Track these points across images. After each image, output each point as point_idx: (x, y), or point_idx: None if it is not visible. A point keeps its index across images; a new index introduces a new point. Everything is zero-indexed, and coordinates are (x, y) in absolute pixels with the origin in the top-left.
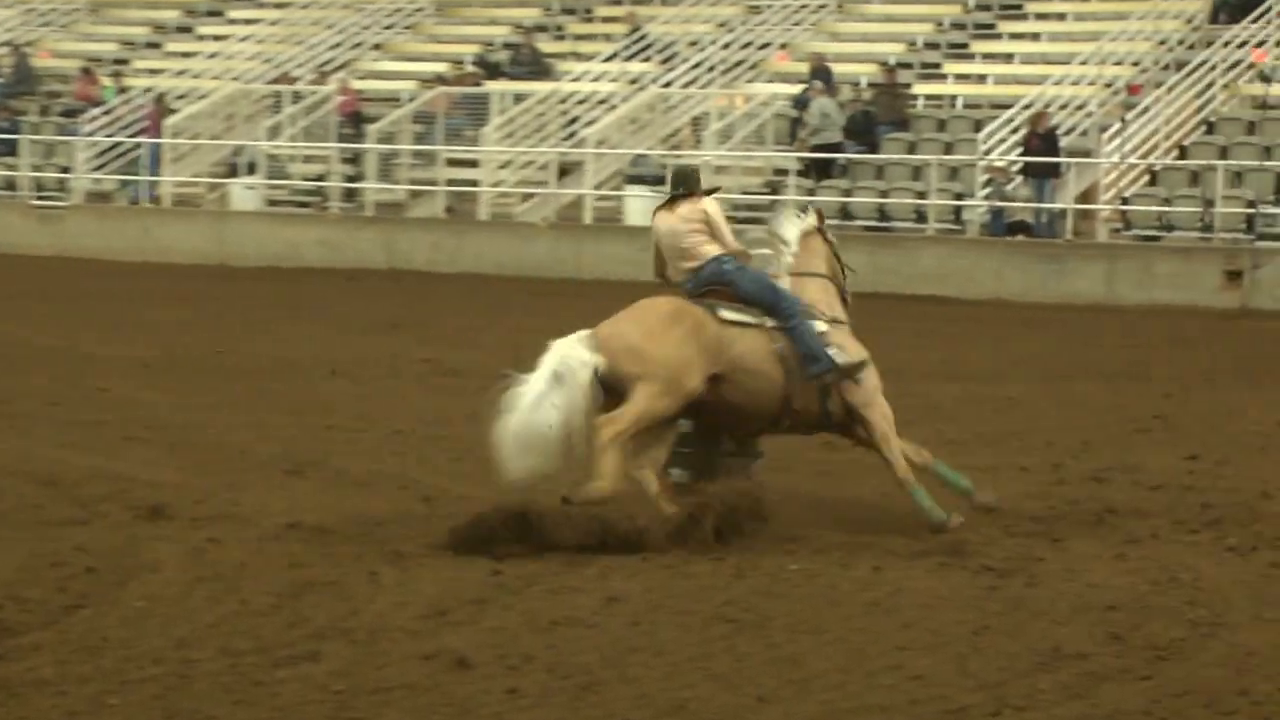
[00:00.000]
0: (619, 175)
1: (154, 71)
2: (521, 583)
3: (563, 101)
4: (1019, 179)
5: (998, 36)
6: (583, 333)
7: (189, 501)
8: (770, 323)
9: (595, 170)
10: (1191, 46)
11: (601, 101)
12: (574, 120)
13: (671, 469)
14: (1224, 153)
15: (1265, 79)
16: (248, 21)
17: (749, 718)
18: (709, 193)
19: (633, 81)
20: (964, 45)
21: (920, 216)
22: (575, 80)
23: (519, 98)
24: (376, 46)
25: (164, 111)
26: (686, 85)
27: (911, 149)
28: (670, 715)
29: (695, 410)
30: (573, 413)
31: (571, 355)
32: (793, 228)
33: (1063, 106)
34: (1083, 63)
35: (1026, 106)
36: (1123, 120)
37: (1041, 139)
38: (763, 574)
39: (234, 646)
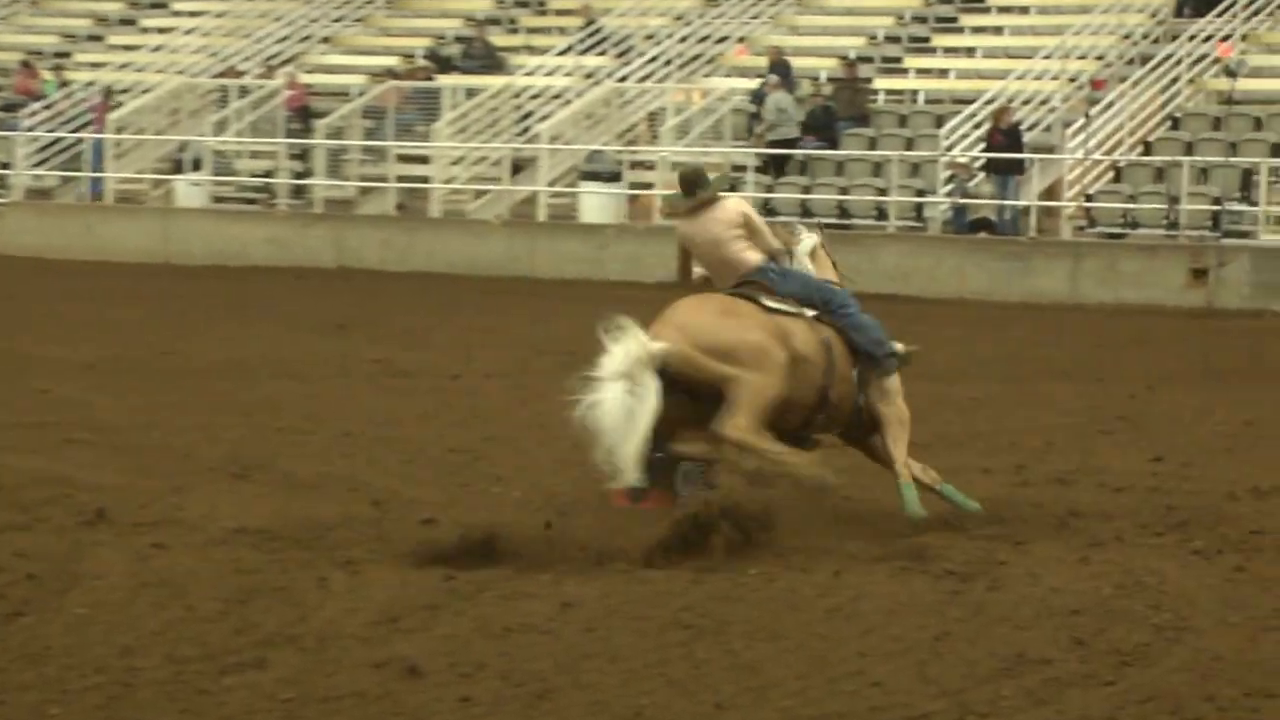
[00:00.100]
0: (574, 171)
1: (96, 65)
2: (474, 589)
3: (516, 96)
4: (982, 175)
5: (959, 30)
6: (641, 333)
7: (133, 506)
8: (809, 313)
9: (549, 166)
10: (1156, 40)
11: (556, 96)
12: (528, 115)
13: None
14: (1189, 149)
15: (1231, 74)
16: (193, 14)
17: None
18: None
19: (588, 76)
20: (925, 39)
21: (881, 214)
22: (529, 74)
23: (471, 92)
24: (325, 40)
25: (111, 105)
26: (643, 80)
27: (872, 145)
28: None
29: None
30: (650, 405)
31: (635, 354)
32: (805, 243)
33: (1026, 102)
34: (1046, 57)
35: (989, 101)
36: (1087, 116)
37: (1005, 135)
38: (721, 579)
39: (179, 654)
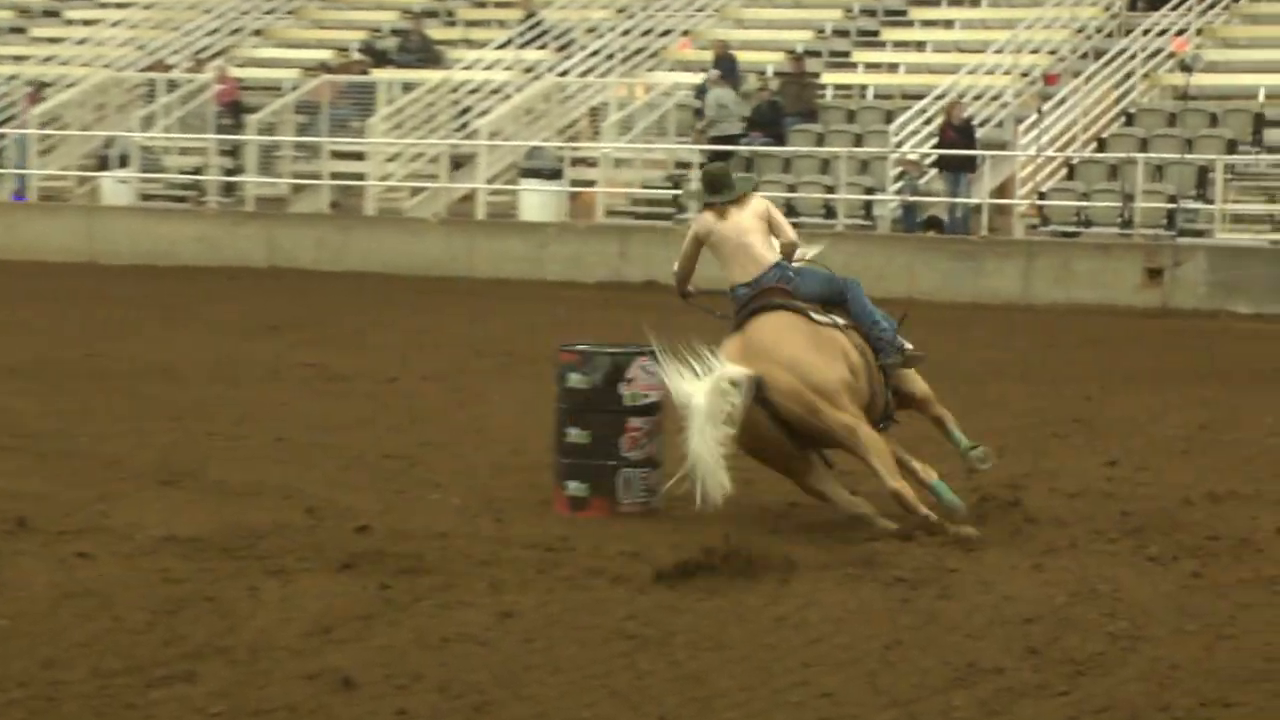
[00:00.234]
0: (513, 168)
1: (19, 58)
2: (410, 598)
3: (454, 91)
4: (933, 173)
5: (909, 24)
6: (734, 368)
7: (57, 513)
8: (842, 322)
9: (488, 163)
10: (1110, 35)
11: (495, 91)
12: (466, 110)
13: (568, 481)
14: (1144, 145)
15: (1186, 68)
16: (119, 5)
17: None
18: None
19: (528, 70)
20: (874, 33)
21: (829, 211)
22: (467, 68)
23: (408, 87)
24: (257, 32)
25: (39, 99)
26: (584, 74)
27: (820, 141)
28: None
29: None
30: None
31: (724, 389)
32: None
33: (977, 97)
34: (998, 51)
35: (939, 97)
36: (1039, 111)
37: (957, 131)
38: (664, 588)
39: (105, 667)
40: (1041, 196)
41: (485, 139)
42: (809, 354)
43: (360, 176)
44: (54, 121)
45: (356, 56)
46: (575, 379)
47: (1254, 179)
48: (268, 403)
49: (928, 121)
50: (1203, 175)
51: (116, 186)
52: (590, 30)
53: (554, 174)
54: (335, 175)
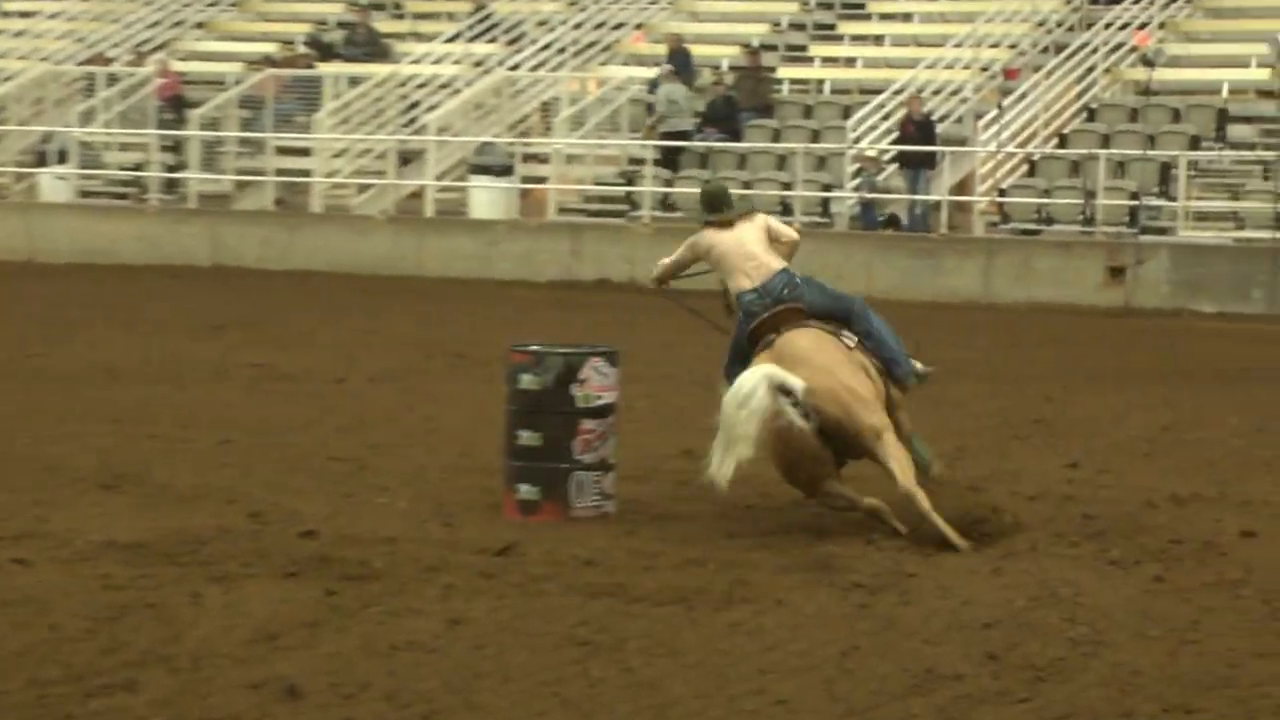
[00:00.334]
0: (463, 165)
1: None
2: (358, 604)
3: (402, 85)
4: (891, 169)
5: (867, 17)
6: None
7: None
8: (851, 339)
9: (437, 159)
10: (1071, 28)
11: (444, 85)
12: (414, 105)
13: (519, 484)
14: (1106, 141)
15: (1148, 63)
16: None
17: None
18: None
19: (477, 64)
20: (831, 26)
21: (785, 208)
22: (415, 62)
23: (355, 81)
24: (199, 25)
25: None
26: (535, 68)
27: (776, 137)
28: None
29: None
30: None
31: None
32: None
33: (936, 92)
34: (957, 45)
35: (898, 92)
36: (999, 107)
37: (917, 127)
38: (617, 593)
39: (43, 676)
40: (1002, 194)
41: (434, 134)
42: (843, 364)
43: (306, 173)
44: None
45: (302, 50)
46: (526, 380)
47: (1217, 175)
48: (212, 404)
49: (886, 117)
50: (1165, 172)
51: (55, 183)
52: (541, 23)
53: (504, 170)
54: (280, 172)
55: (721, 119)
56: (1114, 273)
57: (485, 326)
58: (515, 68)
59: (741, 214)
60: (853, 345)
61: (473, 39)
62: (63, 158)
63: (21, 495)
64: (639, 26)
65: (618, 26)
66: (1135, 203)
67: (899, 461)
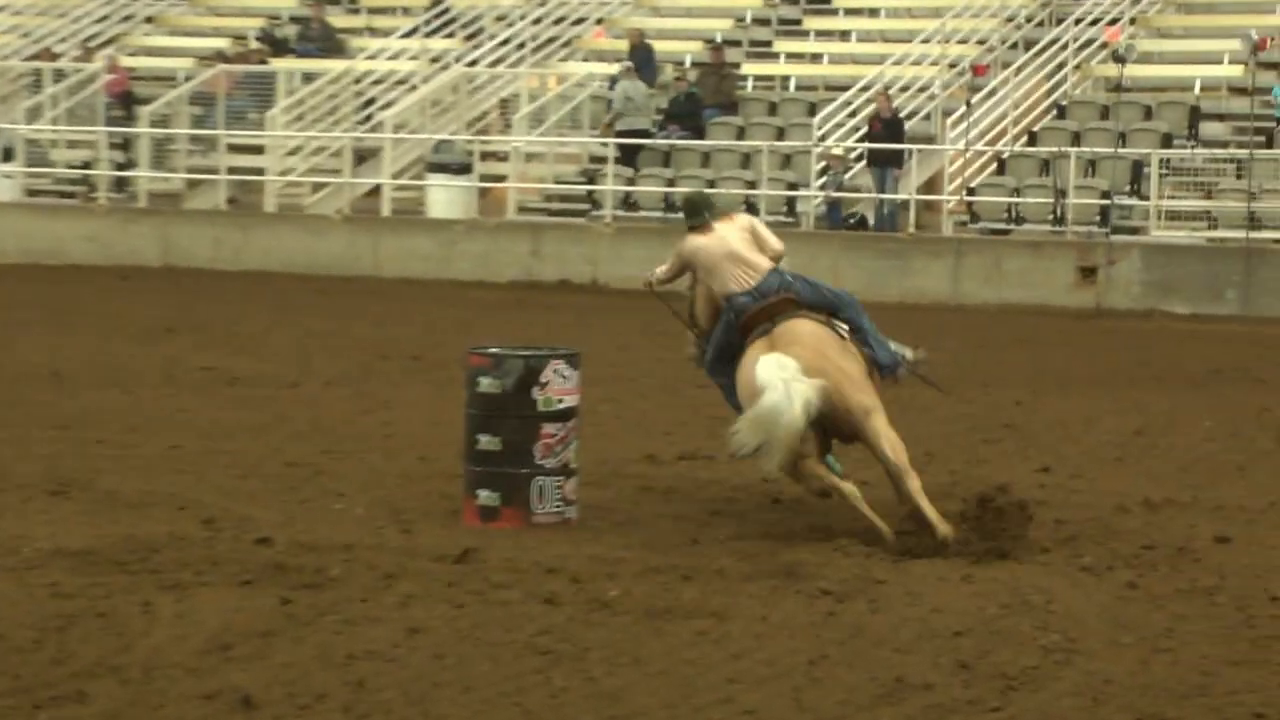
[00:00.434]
0: (420, 163)
1: None
2: (314, 613)
3: (357, 81)
4: (858, 167)
5: (833, 12)
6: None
7: None
8: (844, 329)
9: (394, 157)
10: (1041, 24)
11: (400, 82)
12: (370, 102)
13: (479, 490)
14: (1076, 139)
15: (1119, 59)
16: None
17: None
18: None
19: (435, 60)
20: (797, 21)
21: (750, 208)
22: (371, 58)
23: (309, 77)
24: (149, 19)
25: None
26: (494, 64)
27: (740, 134)
28: None
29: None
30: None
31: (790, 382)
32: None
33: (903, 88)
34: (925, 41)
35: (864, 88)
36: (968, 104)
37: (885, 124)
38: (579, 600)
39: None
40: (970, 192)
41: (390, 132)
42: (834, 345)
43: (259, 171)
44: None
45: (254, 45)
46: (486, 383)
47: (1190, 174)
48: (162, 409)
49: (853, 114)
50: (1137, 170)
51: (1, 182)
52: (500, 18)
53: (463, 169)
54: (233, 170)
55: (684, 116)
56: (1085, 273)
57: (443, 328)
58: (474, 64)
59: (722, 214)
60: (845, 335)
61: (430, 34)
62: (9, 155)
63: None
64: (600, 22)
65: (578, 22)
66: (1106, 202)
67: (889, 440)
